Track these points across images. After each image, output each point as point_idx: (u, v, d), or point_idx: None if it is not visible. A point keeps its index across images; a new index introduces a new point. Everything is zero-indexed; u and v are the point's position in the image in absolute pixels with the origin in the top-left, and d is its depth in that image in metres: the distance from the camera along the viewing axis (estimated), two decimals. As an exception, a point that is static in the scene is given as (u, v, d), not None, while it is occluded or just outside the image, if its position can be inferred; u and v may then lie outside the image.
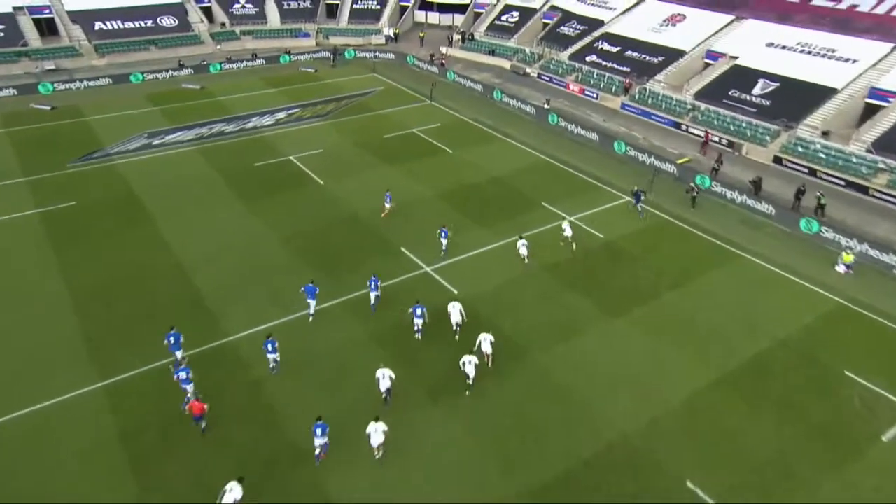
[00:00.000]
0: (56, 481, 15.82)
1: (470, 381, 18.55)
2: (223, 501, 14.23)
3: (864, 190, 32.60)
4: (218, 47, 56.29)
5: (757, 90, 40.71)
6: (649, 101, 43.85)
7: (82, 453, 16.58)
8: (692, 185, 31.31)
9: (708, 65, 45.63)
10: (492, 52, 56.13)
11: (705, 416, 18.38)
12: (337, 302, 22.66)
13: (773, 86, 40.49)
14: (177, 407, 17.79)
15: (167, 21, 55.67)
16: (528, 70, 52.50)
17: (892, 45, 39.58)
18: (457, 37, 59.66)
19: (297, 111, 42.71)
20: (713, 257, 26.61)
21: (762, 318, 22.65)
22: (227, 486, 14.42)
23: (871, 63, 39.08)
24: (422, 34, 61.19)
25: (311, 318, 21.55)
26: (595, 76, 48.32)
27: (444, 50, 57.80)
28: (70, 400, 18.14)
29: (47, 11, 51.96)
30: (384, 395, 17.98)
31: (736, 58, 43.96)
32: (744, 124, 38.96)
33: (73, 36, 51.78)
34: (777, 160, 36.29)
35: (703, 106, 41.47)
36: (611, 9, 54.48)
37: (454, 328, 20.79)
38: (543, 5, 58.41)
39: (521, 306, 22.90)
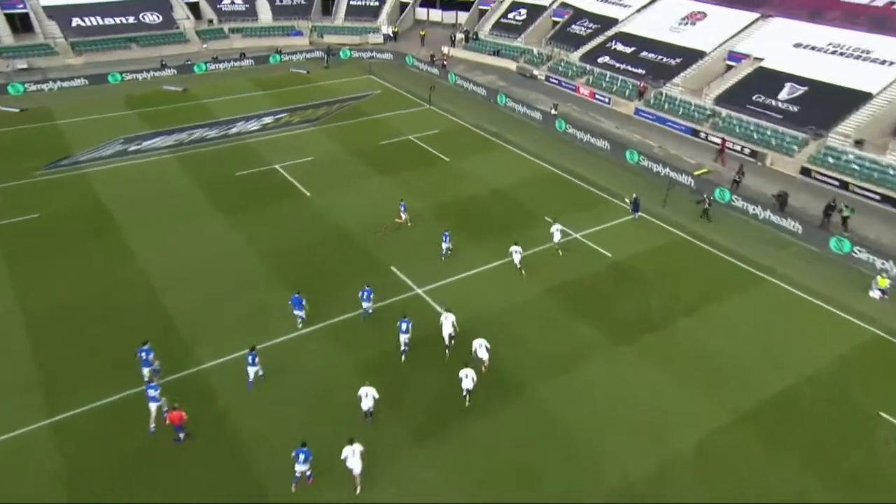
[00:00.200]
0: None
1: (465, 395, 18.88)
2: None
3: (901, 205, 31.98)
4: (204, 46, 56.44)
5: (783, 95, 40.17)
6: (666, 106, 43.43)
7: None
8: (704, 195, 30.76)
9: (730, 67, 45.24)
10: (496, 53, 55.99)
11: (720, 461, 17.70)
12: (318, 327, 22.18)
13: (802, 90, 39.93)
14: (139, 439, 17.46)
15: (150, 17, 55.88)
16: (536, 72, 52.25)
17: (932, 46, 39.10)
18: (460, 36, 59.60)
19: (286, 116, 42.52)
20: (733, 280, 26.01)
21: (786, 350, 22.01)
22: None
23: (910, 66, 38.56)
24: (422, 33, 61.19)
25: (300, 325, 22.02)
26: (607, 79, 47.99)
27: (445, 50, 57.71)
28: (14, 439, 17.58)
29: (21, 6, 52.21)
30: (366, 414, 18.07)
31: (760, 59, 43.54)
32: (768, 132, 38.40)
33: (48, 33, 52.04)
34: (805, 172, 35.68)
35: (723, 112, 40.98)
36: (625, 6, 54.28)
37: (446, 342, 20.75)
38: (553, 2, 58.30)
39: (520, 331, 22.42)
